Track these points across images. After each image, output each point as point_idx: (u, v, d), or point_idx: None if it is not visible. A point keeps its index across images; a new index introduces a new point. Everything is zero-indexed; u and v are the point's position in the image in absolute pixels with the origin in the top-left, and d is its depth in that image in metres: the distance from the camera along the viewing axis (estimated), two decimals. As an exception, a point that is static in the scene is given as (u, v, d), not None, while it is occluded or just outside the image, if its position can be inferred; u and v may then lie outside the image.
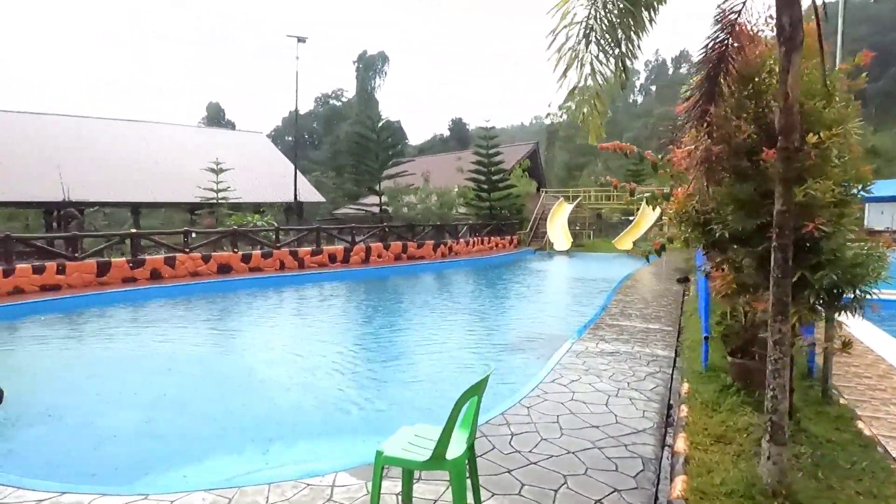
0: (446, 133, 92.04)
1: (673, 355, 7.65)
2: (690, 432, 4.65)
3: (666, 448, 4.66)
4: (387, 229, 23.07)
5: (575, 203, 33.49)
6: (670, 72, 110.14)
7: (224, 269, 17.55)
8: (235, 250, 18.13)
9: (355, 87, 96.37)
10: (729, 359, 5.46)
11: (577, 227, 33.37)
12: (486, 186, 30.36)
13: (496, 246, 29.01)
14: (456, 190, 28.30)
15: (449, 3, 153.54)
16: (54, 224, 23.79)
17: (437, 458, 3.04)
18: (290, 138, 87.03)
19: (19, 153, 25.63)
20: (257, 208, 25.70)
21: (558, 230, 30.41)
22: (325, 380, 7.33)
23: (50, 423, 5.81)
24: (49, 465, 4.79)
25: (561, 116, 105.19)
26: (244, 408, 6.29)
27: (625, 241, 28.36)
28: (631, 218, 42.33)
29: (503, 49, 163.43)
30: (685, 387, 5.86)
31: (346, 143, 75.81)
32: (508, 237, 30.30)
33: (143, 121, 36.85)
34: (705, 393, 5.53)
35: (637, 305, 11.60)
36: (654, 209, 29.44)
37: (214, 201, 22.97)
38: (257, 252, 18.51)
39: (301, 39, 24.44)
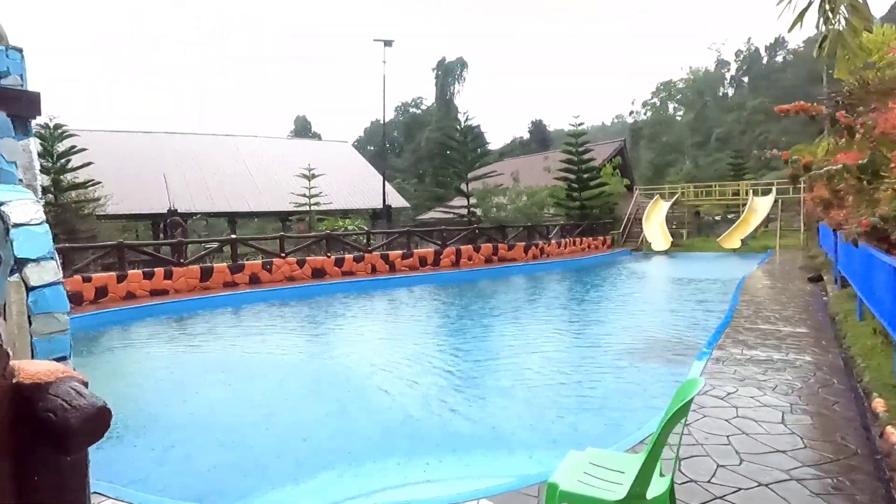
0: (526, 135, 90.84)
1: (841, 364, 6.46)
2: (919, 464, 3.63)
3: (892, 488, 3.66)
4: (476, 231, 22.49)
5: (672, 200, 31.47)
6: (764, 61, 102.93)
7: (318, 273, 17.61)
8: (329, 255, 18.16)
9: (434, 94, 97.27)
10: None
11: (674, 226, 31.32)
12: (576, 185, 29.13)
13: (588, 247, 27.70)
14: (546, 189, 27.27)
15: (521, 9, 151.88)
16: (161, 234, 25.10)
17: (637, 497, 2.32)
18: (373, 147, 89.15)
19: (128, 169, 27.36)
20: (345, 215, 25.95)
21: (656, 229, 28.61)
22: (436, 389, 6.75)
23: (179, 433, 5.60)
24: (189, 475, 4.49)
25: (645, 114, 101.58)
26: (361, 419, 5.83)
27: (732, 239, 26.16)
28: (731, 216, 39.58)
29: (580, 49, 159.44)
30: (879, 402, 4.77)
31: (427, 149, 76.69)
32: (601, 238, 28.88)
33: (237, 135, 38.57)
34: (916, 412, 4.43)
35: (771, 307, 10.26)
36: (772, 202, 27.18)
37: (306, 208, 23.36)
38: (349, 256, 18.47)
39: (388, 43, 24.43)
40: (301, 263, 17.46)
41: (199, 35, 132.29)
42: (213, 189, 29.63)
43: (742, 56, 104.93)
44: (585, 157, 29.49)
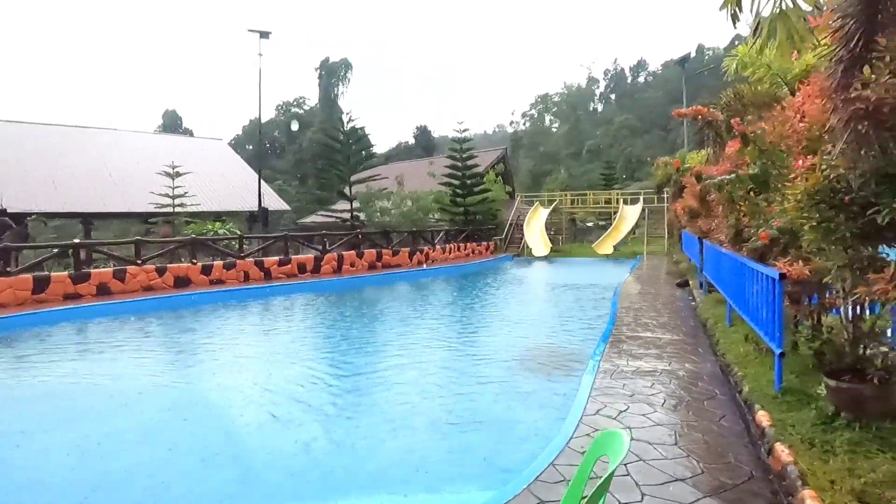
0: (411, 141, 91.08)
1: (719, 372, 6.54)
2: (816, 487, 3.48)
3: (793, 512, 3.47)
4: (360, 236, 21.64)
5: (551, 208, 32.64)
6: (629, 81, 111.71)
7: (182, 282, 15.85)
8: (194, 261, 16.43)
9: (318, 94, 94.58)
10: (831, 382, 4.33)
11: (553, 232, 32.50)
12: (460, 191, 29.20)
13: (473, 252, 27.86)
14: (432, 195, 27.00)
15: (406, 12, 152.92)
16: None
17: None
18: (251, 147, 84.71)
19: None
20: (219, 217, 23.91)
21: (536, 235, 29.44)
22: (306, 418, 5.91)
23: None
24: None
25: (525, 124, 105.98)
26: (217, 458, 4.86)
27: (605, 245, 27.56)
28: (602, 223, 42.00)
29: (465, 58, 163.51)
30: (763, 416, 4.71)
31: (310, 150, 74.08)
32: (485, 243, 29.20)
33: (92, 127, 34.55)
34: (800, 426, 4.38)
35: (649, 314, 10.53)
36: (638, 211, 29.03)
37: (171, 210, 21.14)
38: (219, 263, 16.84)
39: (264, 35, 22.83)
40: (161, 271, 15.60)
41: (51, 10, 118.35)
42: (62, 187, 26.11)
43: (610, 75, 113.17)
44: (470, 163, 29.67)
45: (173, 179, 20.95)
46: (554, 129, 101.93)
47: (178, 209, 21.11)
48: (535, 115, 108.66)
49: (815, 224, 3.21)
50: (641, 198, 30.74)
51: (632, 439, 4.50)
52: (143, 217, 26.08)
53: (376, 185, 25.03)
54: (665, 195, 28.64)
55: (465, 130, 29.50)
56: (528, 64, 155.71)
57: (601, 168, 52.02)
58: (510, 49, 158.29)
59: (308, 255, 19.52)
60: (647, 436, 4.58)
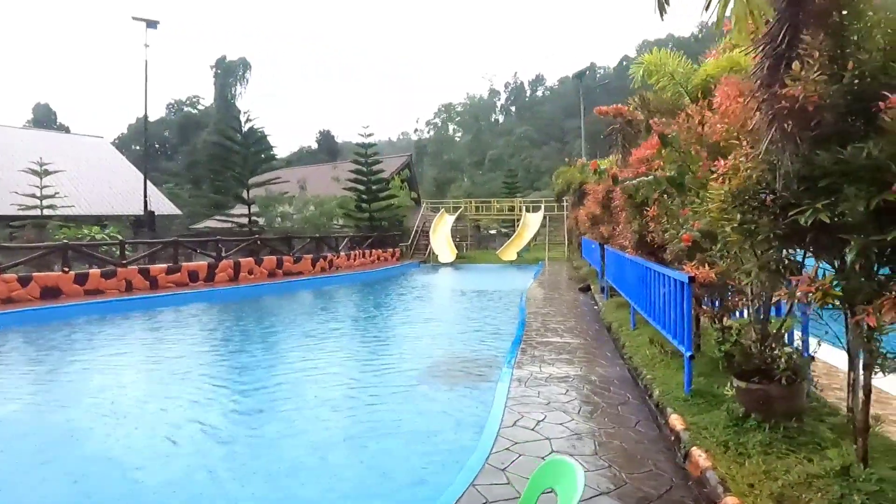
0: (314, 145, 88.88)
1: (629, 376, 6.59)
2: (737, 492, 3.43)
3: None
4: (259, 242, 20.46)
5: (457, 214, 32.83)
6: (528, 93, 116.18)
7: (50, 293, 14.09)
8: (66, 270, 14.68)
9: (213, 94, 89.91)
10: (740, 384, 4.38)
11: (458, 239, 32.73)
12: (366, 196, 28.61)
13: (378, 259, 27.34)
14: (336, 200, 26.19)
15: (309, 16, 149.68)
16: None
17: None
18: (138, 147, 78.78)
19: None
20: (100, 222, 21.72)
21: (442, 242, 29.44)
22: (187, 450, 5.23)
23: None
24: None
25: (429, 132, 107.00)
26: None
27: (509, 251, 28.07)
28: (505, 230, 42.98)
29: (370, 64, 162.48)
30: (676, 419, 4.71)
31: (205, 152, 69.83)
32: (391, 250, 28.77)
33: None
34: (713, 428, 4.39)
35: (555, 318, 10.62)
36: (539, 219, 29.88)
37: (39, 212, 18.90)
38: (95, 271, 15.18)
39: (151, 24, 21.03)
40: (25, 281, 13.78)
41: None
42: None
43: (510, 88, 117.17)
44: (375, 168, 29.18)
45: (41, 178, 18.74)
46: (457, 139, 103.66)
47: (47, 211, 18.90)
48: (439, 124, 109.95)
49: (736, 226, 3.16)
50: (543, 206, 31.71)
51: (552, 451, 4.32)
52: (7, 220, 23.22)
53: (277, 188, 23.86)
54: (565, 203, 29.74)
55: (370, 135, 28.99)
56: (432, 72, 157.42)
57: (503, 177, 53.37)
58: (414, 56, 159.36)
59: (201, 263, 18.16)
60: (566, 446, 4.41)
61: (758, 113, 2.89)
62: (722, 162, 3.28)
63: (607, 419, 5.09)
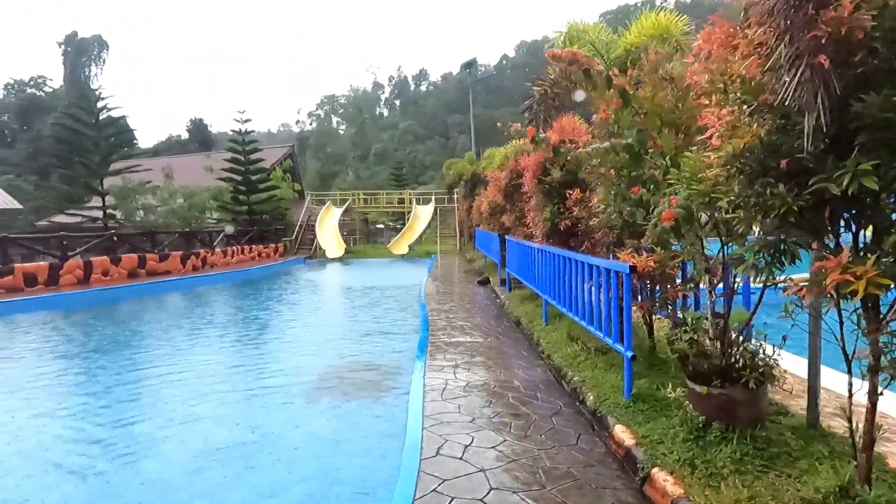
0: (184, 135, 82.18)
1: (553, 379, 5.92)
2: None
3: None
4: (115, 239, 17.79)
5: (344, 207, 31.29)
6: (412, 88, 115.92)
7: None
8: None
9: (63, 74, 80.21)
10: (698, 388, 3.78)
11: (346, 233, 31.28)
12: (243, 188, 26.25)
13: (259, 255, 25.22)
14: (208, 191, 23.67)
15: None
16: None
17: None
18: (-34, 130, 68.29)
19: None
20: None
21: (329, 236, 27.84)
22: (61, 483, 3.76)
23: None
24: None
25: (311, 124, 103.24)
26: None
27: (400, 245, 27.14)
28: (392, 224, 42.05)
29: (248, 50, 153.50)
30: (623, 432, 4.06)
31: (52, 139, 61.74)
32: (273, 245, 26.71)
33: None
34: (670, 442, 3.76)
35: (459, 314, 9.87)
36: (429, 212, 29.16)
37: None
38: None
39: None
40: None
41: None
42: None
43: (394, 82, 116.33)
44: (254, 157, 26.90)
45: None
46: (341, 132, 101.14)
47: None
48: (322, 116, 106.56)
49: (739, 199, 2.45)
50: (433, 198, 31.11)
51: (491, 488, 3.44)
52: None
53: (138, 178, 21.03)
54: (455, 195, 29.37)
55: (247, 121, 26.63)
56: (315, 63, 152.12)
57: (388, 170, 52.46)
58: (297, 46, 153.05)
59: (41, 264, 15.35)
60: (508, 480, 3.57)
61: (784, 43, 2.16)
62: (713, 118, 2.56)
63: (544, 436, 4.32)
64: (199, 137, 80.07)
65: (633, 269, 4.47)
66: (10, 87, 79.35)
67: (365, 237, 34.66)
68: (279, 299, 15.03)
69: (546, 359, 6.55)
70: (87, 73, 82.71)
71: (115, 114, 21.79)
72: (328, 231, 28.31)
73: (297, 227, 29.63)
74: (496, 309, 10.59)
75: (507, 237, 11.64)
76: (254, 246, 25.00)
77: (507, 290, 11.84)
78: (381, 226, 40.49)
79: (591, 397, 4.89)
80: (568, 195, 6.40)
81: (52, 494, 3.85)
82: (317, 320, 11.40)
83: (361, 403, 5.56)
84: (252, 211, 26.46)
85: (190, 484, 3.94)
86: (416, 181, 63.10)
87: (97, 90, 20.55)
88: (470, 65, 31.04)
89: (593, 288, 5.48)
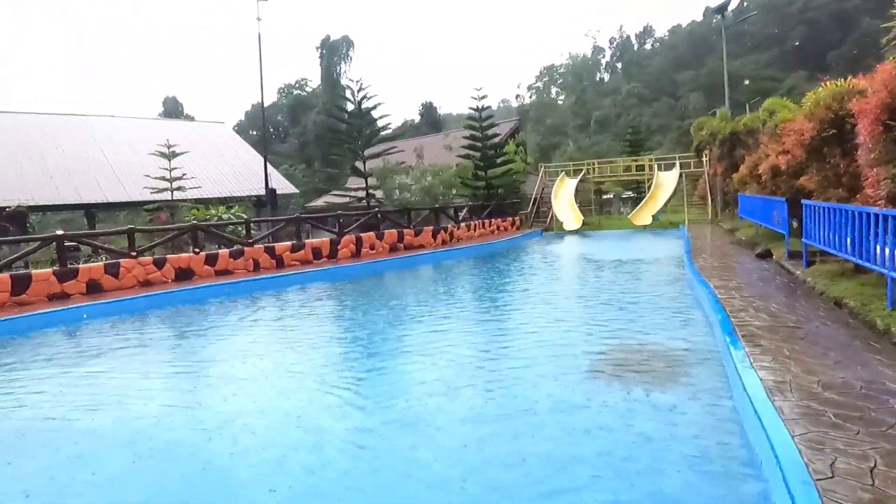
0: (417, 118, 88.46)
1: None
2: None
3: None
4: (379, 216, 19.62)
5: (579, 178, 30.35)
6: (635, 48, 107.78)
7: (184, 274, 13.98)
8: (197, 251, 14.52)
9: (320, 74, 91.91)
10: None
11: (579, 204, 30.34)
12: (481, 163, 27.01)
13: (498, 229, 25.81)
14: (453, 169, 24.82)
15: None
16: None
17: None
18: (255, 132, 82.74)
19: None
20: (225, 203, 22.02)
21: (566, 208, 27.27)
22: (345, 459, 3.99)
23: None
24: None
25: (530, 97, 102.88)
26: None
27: (642, 215, 25.36)
28: (626, 194, 39.62)
29: (466, 33, 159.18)
30: None
31: (315, 132, 71.69)
32: (510, 219, 27.11)
33: (90, 115, 32.57)
34: None
35: (753, 292, 8.47)
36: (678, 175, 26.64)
37: (170, 195, 19.25)
38: (224, 252, 14.94)
39: (262, -4, 20.46)
40: (160, 263, 13.74)
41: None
42: (60, 178, 24.44)
43: (615, 43, 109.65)
44: (490, 132, 27.46)
45: (169, 161, 19.02)
46: (560, 102, 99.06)
47: (177, 193, 19.19)
48: (541, 88, 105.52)
49: None
50: (677, 162, 28.41)
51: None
52: (146, 205, 24.46)
53: (393, 158, 22.91)
54: (705, 158, 26.38)
55: (483, 97, 27.22)
56: (531, 36, 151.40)
57: (610, 138, 49.65)
58: (513, 21, 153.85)
59: (323, 240, 17.59)
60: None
61: None
62: None
63: None
64: (430, 120, 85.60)
65: None
66: (281, 90, 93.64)
67: (598, 208, 33.36)
68: (529, 273, 14.98)
69: (914, 353, 5.09)
70: (338, 71, 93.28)
71: (370, 95, 23.99)
72: (564, 202, 27.73)
73: (533, 200, 29.62)
74: (797, 287, 8.90)
75: (806, 202, 9.69)
76: (492, 220, 25.64)
77: (805, 265, 9.93)
78: (611, 195, 38.56)
79: None
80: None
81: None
82: (579, 295, 10.97)
83: (666, 390, 4.88)
84: (490, 185, 27.14)
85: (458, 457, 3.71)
86: (641, 147, 58.90)
87: (358, 81, 22.74)
88: (723, 7, 27.28)
89: None
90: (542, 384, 5.52)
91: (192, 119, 70.53)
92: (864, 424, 3.74)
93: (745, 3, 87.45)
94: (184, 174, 19.47)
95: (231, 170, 32.52)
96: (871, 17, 75.65)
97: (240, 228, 16.39)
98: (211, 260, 14.54)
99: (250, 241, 15.75)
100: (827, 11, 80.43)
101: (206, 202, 20.86)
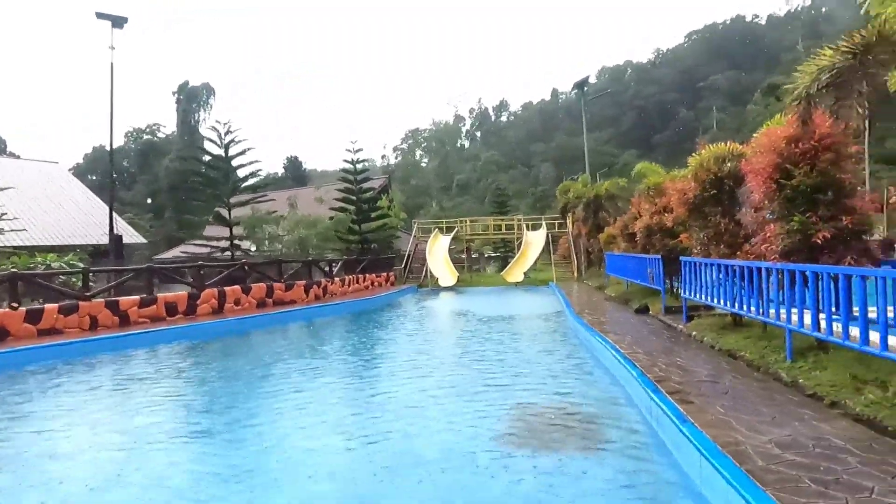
0: (281, 171, 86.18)
1: (869, 436, 4.45)
2: None
3: None
4: (246, 268, 17.84)
5: (452, 234, 30.65)
6: (492, 119, 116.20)
7: (-6, 335, 11.28)
8: (15, 305, 11.88)
9: (176, 120, 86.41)
10: None
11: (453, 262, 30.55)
12: (357, 217, 26.21)
13: (373, 284, 24.90)
14: (331, 221, 23.69)
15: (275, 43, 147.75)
16: None
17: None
18: (95, 177, 74.99)
19: None
20: (56, 251, 18.84)
21: (441, 264, 27.18)
22: None
23: None
24: None
25: (396, 158, 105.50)
26: None
27: (514, 272, 25.98)
28: (493, 253, 40.93)
29: (333, 90, 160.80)
30: None
31: (168, 180, 66.43)
32: (384, 274, 26.37)
33: None
34: None
35: (647, 347, 8.46)
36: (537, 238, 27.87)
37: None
38: (52, 307, 12.39)
39: (117, 22, 18.27)
40: (-41, 321, 10.97)
41: None
42: None
43: (475, 113, 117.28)
44: (365, 185, 26.92)
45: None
46: (424, 164, 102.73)
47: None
48: (406, 149, 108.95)
49: None
50: (544, 223, 29.84)
51: None
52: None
53: (263, 208, 21.31)
54: (569, 219, 27.95)
55: (358, 150, 26.76)
56: (397, 99, 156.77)
57: (471, 201, 51.86)
58: (378, 83, 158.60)
59: (179, 294, 15.47)
60: None
61: None
62: None
63: None
64: (296, 174, 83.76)
65: None
66: (129, 134, 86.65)
67: (468, 265, 33.85)
68: (410, 333, 14.12)
69: (834, 406, 5.09)
70: (196, 118, 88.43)
71: (238, 148, 22.41)
72: (439, 258, 27.67)
73: (407, 256, 29.25)
74: (689, 341, 9.09)
75: (685, 258, 10.13)
76: (367, 275, 24.73)
77: (685, 320, 10.32)
78: (476, 255, 39.53)
79: None
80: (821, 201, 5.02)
81: None
82: (470, 356, 10.36)
83: (565, 453, 4.35)
84: (365, 240, 26.35)
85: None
86: (499, 210, 62.23)
87: (226, 124, 21.14)
88: (582, 84, 29.87)
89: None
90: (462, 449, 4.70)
91: (17, 157, 61.85)
92: (847, 490, 3.43)
93: (586, 88, 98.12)
94: (3, 213, 16.32)
95: (65, 215, 28.52)
96: (686, 108, 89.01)
97: (75, 279, 13.85)
98: (33, 317, 11.96)
99: (87, 293, 13.30)
100: (652, 101, 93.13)
101: (31, 249, 17.67)
